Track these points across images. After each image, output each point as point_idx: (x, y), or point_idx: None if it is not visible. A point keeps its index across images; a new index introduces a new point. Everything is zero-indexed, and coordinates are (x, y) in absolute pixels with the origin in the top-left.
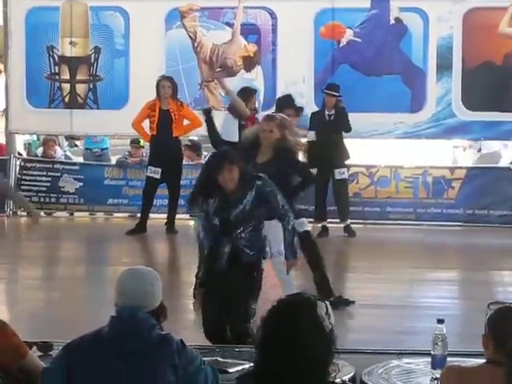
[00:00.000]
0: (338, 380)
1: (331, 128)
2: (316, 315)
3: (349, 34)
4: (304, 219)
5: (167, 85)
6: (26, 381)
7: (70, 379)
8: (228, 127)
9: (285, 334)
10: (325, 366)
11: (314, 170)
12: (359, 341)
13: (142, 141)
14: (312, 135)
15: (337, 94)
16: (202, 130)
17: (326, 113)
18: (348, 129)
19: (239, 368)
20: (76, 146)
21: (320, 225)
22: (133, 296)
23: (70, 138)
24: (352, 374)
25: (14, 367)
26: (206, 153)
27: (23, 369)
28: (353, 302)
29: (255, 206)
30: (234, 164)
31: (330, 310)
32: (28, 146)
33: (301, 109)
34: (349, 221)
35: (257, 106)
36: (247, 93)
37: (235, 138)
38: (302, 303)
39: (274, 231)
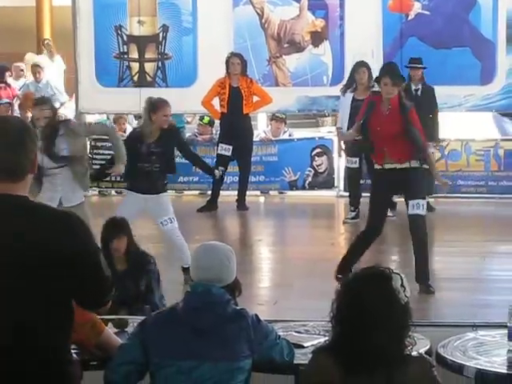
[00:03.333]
0: (414, 353)
1: (419, 104)
2: (390, 287)
3: (417, 7)
4: None
5: (237, 62)
6: (103, 357)
7: (146, 355)
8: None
9: (357, 307)
10: (401, 339)
11: None
12: (434, 314)
13: (209, 118)
14: None
15: (422, 65)
16: (272, 107)
17: (413, 87)
18: (435, 105)
19: (314, 342)
20: None
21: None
22: (209, 271)
23: (139, 117)
24: (428, 346)
25: (91, 343)
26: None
27: (100, 345)
28: None
29: None
30: None
31: (406, 283)
32: None
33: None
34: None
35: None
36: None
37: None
38: (374, 276)
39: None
